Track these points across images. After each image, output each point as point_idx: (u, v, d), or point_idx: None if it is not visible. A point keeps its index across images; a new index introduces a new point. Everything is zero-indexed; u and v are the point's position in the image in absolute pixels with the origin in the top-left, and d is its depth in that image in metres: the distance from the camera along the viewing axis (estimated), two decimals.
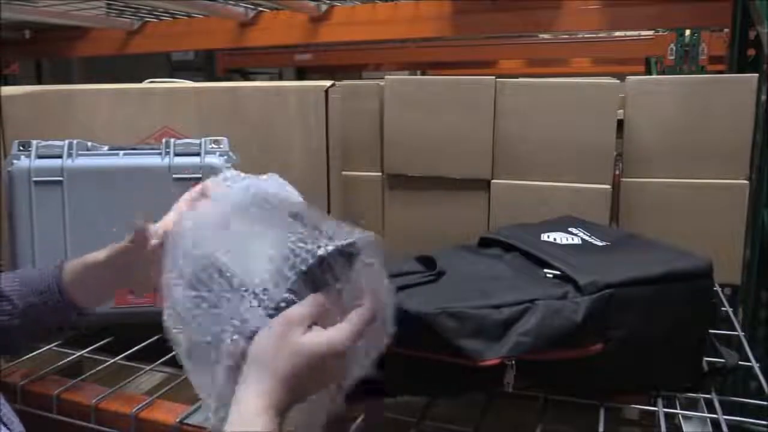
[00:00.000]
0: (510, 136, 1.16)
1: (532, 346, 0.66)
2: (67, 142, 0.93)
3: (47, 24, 2.55)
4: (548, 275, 0.75)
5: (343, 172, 1.13)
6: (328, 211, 1.11)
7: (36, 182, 0.91)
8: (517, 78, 1.19)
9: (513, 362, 0.65)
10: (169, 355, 0.84)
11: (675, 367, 0.74)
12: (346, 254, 0.56)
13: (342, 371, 0.57)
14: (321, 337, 0.54)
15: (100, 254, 0.71)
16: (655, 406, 0.72)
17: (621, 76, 1.23)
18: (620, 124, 1.14)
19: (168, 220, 0.66)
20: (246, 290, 0.55)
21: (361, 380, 0.69)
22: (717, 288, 0.93)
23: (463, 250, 0.89)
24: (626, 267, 0.73)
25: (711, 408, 0.72)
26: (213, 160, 0.94)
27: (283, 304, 0.54)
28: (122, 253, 0.69)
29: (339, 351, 0.54)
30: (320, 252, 0.55)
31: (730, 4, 1.74)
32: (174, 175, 0.93)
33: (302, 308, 0.55)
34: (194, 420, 0.72)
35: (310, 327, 0.54)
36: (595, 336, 0.68)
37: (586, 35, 3.40)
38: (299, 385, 0.53)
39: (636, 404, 0.73)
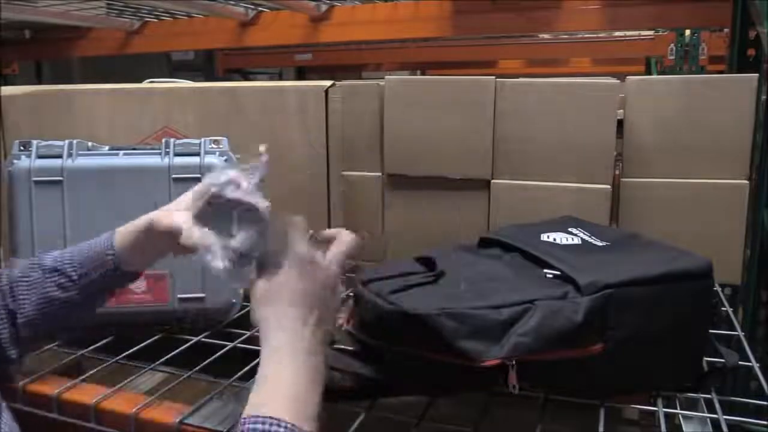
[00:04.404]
0: (510, 136, 1.16)
1: (532, 347, 0.66)
2: (67, 142, 0.93)
3: (47, 24, 2.54)
4: (548, 275, 0.75)
5: (343, 172, 1.13)
6: (328, 212, 1.11)
7: (36, 182, 0.91)
8: (517, 78, 1.19)
9: (513, 363, 0.65)
10: (169, 355, 0.85)
11: (675, 367, 0.74)
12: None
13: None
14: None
15: (141, 222, 0.71)
16: (655, 406, 0.72)
17: (621, 76, 1.22)
18: (620, 124, 1.14)
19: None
20: None
21: (361, 380, 0.69)
22: (717, 288, 0.93)
23: (463, 251, 0.88)
24: (626, 267, 0.73)
25: (711, 408, 0.72)
26: (213, 160, 0.94)
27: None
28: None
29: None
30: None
31: (730, 4, 1.73)
32: (174, 175, 0.93)
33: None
34: (194, 420, 0.72)
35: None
36: (595, 336, 0.68)
37: (586, 35, 3.40)
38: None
39: (636, 404, 0.73)
